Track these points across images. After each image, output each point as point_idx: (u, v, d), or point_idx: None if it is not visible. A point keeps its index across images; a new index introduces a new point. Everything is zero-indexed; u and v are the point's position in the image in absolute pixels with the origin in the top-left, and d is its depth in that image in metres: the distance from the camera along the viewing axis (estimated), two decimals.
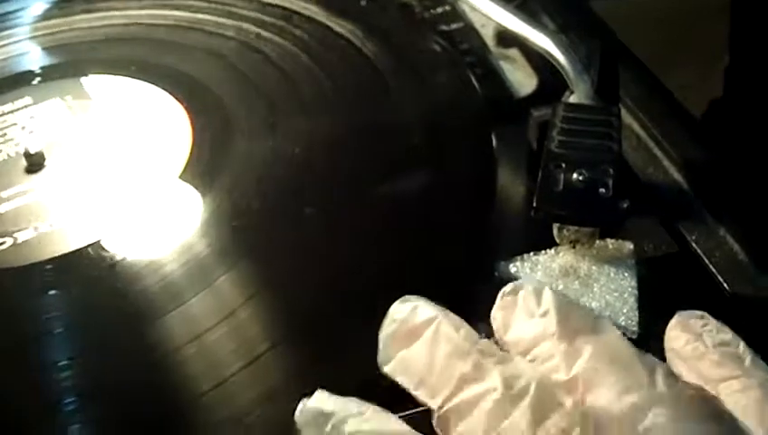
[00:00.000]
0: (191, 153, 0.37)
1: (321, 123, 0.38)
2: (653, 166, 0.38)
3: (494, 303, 0.31)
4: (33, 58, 0.44)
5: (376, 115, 0.38)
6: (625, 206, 0.31)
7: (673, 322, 0.26)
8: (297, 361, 0.30)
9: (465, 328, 0.25)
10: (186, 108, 0.39)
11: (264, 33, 0.43)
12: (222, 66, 0.41)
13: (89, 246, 0.34)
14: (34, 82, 0.42)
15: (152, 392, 0.29)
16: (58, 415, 0.29)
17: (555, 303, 0.25)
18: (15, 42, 0.45)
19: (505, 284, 0.32)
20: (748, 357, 0.24)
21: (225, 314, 0.31)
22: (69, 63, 0.42)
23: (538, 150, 0.36)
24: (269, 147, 0.37)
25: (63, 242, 0.34)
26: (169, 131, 0.38)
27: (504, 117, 0.38)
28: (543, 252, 0.32)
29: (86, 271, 0.33)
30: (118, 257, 0.33)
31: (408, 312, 0.26)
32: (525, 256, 0.32)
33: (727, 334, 0.25)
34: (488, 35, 0.45)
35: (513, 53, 0.44)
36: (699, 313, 0.26)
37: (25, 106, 0.41)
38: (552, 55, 0.38)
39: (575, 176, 0.31)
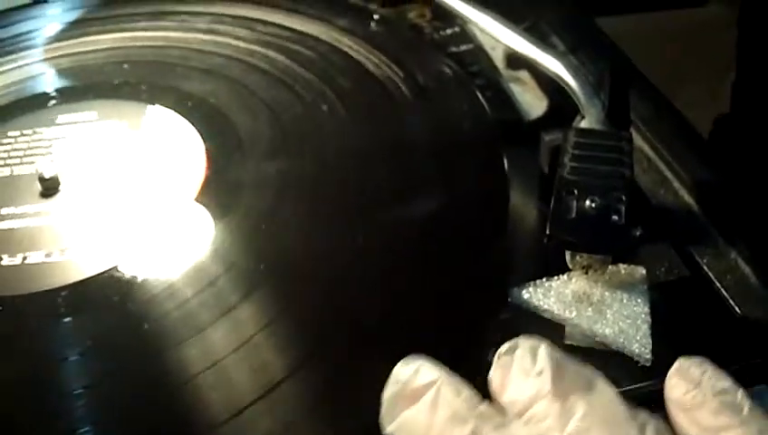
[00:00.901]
0: (206, 176, 0.37)
1: (333, 145, 0.38)
2: (663, 188, 0.39)
3: (506, 330, 0.32)
4: (49, 80, 0.44)
5: (387, 137, 0.38)
6: (638, 233, 0.31)
7: (672, 370, 0.26)
8: (316, 389, 0.30)
9: (466, 392, 0.26)
10: (199, 130, 0.39)
11: (276, 56, 0.43)
12: (235, 89, 0.41)
13: (104, 272, 0.34)
14: (50, 104, 0.42)
15: (167, 422, 0.29)
16: None
17: (550, 361, 0.25)
18: (30, 63, 0.45)
19: (518, 309, 0.33)
20: (746, 405, 0.25)
21: (242, 340, 0.31)
22: (83, 87, 0.43)
23: (550, 175, 0.36)
24: (282, 169, 0.37)
25: (78, 268, 0.34)
26: (183, 154, 0.39)
27: (515, 140, 0.39)
28: (556, 278, 0.33)
29: (102, 298, 0.33)
30: (133, 283, 0.33)
31: (410, 374, 0.26)
32: (538, 281, 0.33)
33: (726, 382, 0.25)
34: (498, 57, 0.45)
35: (523, 75, 0.44)
36: (699, 359, 0.26)
37: (41, 128, 0.42)
38: (562, 79, 0.38)
39: (588, 203, 0.31)
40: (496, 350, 0.31)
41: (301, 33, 0.44)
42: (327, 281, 0.33)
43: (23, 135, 0.41)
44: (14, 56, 0.46)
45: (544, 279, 0.33)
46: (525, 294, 0.32)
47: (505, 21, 0.41)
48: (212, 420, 0.29)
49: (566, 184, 0.32)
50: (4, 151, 0.40)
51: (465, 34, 0.47)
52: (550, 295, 0.32)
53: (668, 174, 0.39)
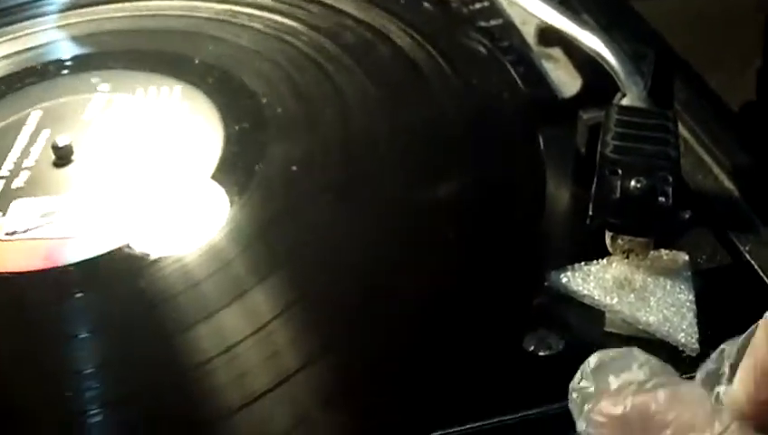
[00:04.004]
0: (223, 153, 0.36)
1: (360, 123, 0.36)
2: (702, 172, 0.37)
3: (543, 314, 0.30)
4: (63, 47, 0.43)
5: (417, 114, 0.36)
6: (686, 216, 0.29)
7: (761, 330, 0.23)
8: (333, 381, 0.28)
9: None
10: (217, 105, 0.38)
11: (301, 28, 0.41)
12: (257, 62, 0.40)
13: (115, 250, 0.32)
14: (63, 72, 0.41)
15: (178, 407, 0.28)
16: (80, 425, 0.27)
17: None
18: (41, 30, 0.44)
19: (555, 293, 0.31)
20: None
21: (257, 326, 0.29)
22: (98, 56, 0.41)
23: (587, 155, 0.34)
24: (305, 147, 0.36)
25: (89, 244, 0.32)
26: (201, 129, 0.37)
27: (550, 118, 0.37)
28: (595, 262, 0.31)
29: (112, 276, 0.31)
30: (145, 262, 0.31)
31: None
32: (576, 265, 0.31)
33: None
34: (529, 33, 0.43)
35: (556, 52, 0.42)
36: None
37: (54, 96, 0.40)
38: (600, 55, 0.36)
39: (633, 183, 0.30)
40: (532, 334, 0.30)
41: (326, 5, 0.43)
42: (350, 266, 0.31)
43: (36, 102, 0.39)
44: (27, 23, 0.44)
45: (583, 263, 0.31)
46: (563, 278, 0.31)
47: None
48: (223, 408, 0.27)
49: (610, 163, 0.31)
50: (18, 119, 0.39)
51: (494, 9, 0.45)
52: (589, 280, 0.31)
53: (707, 158, 0.38)
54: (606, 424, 0.23)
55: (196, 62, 0.40)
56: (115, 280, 0.31)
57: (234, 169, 0.35)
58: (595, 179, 0.30)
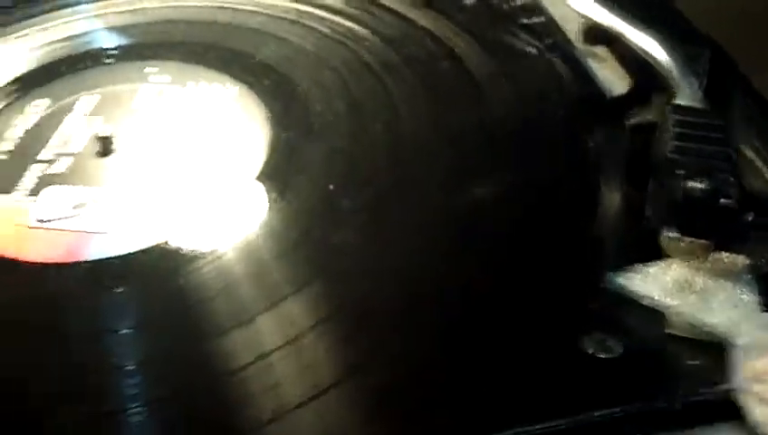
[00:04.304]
0: (269, 153, 0.35)
1: (408, 126, 0.36)
2: (752, 174, 0.37)
3: (600, 316, 0.30)
4: (108, 36, 0.42)
5: (465, 114, 0.36)
6: (750, 218, 0.29)
7: None
8: (373, 394, 0.27)
9: None
10: (265, 102, 0.37)
11: (365, 33, 0.40)
12: (316, 67, 0.39)
13: (152, 247, 0.32)
14: (108, 61, 0.40)
15: (212, 412, 0.27)
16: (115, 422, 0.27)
17: None
18: (100, 14, 0.43)
19: (612, 294, 0.31)
20: None
21: (293, 335, 0.28)
22: (144, 46, 0.41)
23: (639, 155, 0.34)
24: (352, 147, 0.35)
25: (127, 239, 0.32)
26: (246, 127, 0.36)
27: (598, 118, 0.37)
28: (653, 263, 0.31)
29: (147, 274, 0.31)
30: (181, 261, 0.31)
31: None
32: (635, 266, 0.31)
33: None
34: (572, 31, 0.43)
35: (600, 50, 0.42)
36: None
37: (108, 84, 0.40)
38: (652, 56, 0.36)
39: (694, 184, 0.29)
40: (589, 337, 0.30)
41: (391, 10, 0.42)
42: (394, 272, 0.31)
43: (89, 88, 0.39)
44: (71, 9, 0.44)
45: (641, 265, 0.31)
46: (622, 279, 0.30)
47: None
48: (256, 418, 0.26)
49: (669, 163, 0.30)
50: (59, 107, 0.38)
51: (535, 6, 0.44)
52: (648, 281, 0.30)
53: (756, 160, 0.37)
54: None
55: (254, 61, 0.40)
56: (142, 280, 0.31)
57: (277, 174, 0.34)
58: (653, 180, 0.30)
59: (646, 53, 0.36)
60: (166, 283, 0.31)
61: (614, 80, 0.40)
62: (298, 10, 0.43)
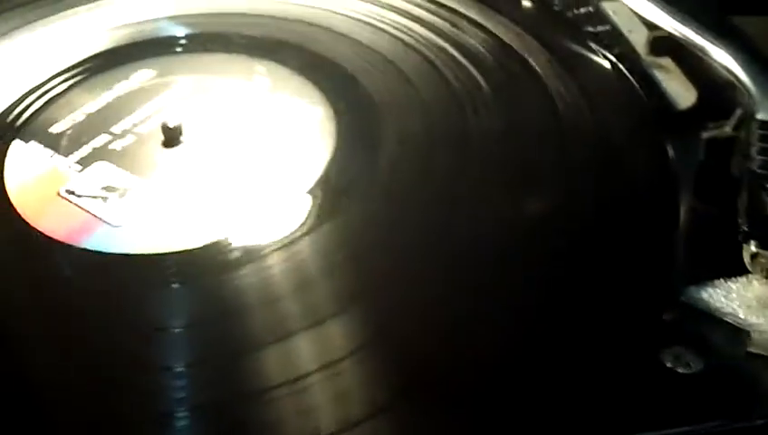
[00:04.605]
0: (330, 161, 0.34)
1: (477, 144, 0.35)
2: None
3: (677, 330, 0.29)
4: (177, 24, 0.42)
5: (539, 123, 0.35)
6: None
7: None
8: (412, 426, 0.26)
9: None
10: (334, 107, 0.36)
11: (420, 30, 0.40)
12: (391, 76, 0.38)
13: (197, 248, 0.31)
14: (178, 49, 0.39)
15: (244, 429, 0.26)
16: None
17: None
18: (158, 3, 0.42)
19: (695, 310, 0.30)
20: None
21: (330, 360, 0.27)
22: (215, 36, 0.40)
23: (713, 168, 0.34)
24: (414, 170, 0.34)
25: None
26: (312, 131, 0.36)
27: (672, 130, 0.36)
28: (734, 279, 0.30)
29: (187, 277, 0.30)
30: (228, 267, 0.30)
31: None
32: (716, 281, 0.30)
33: None
34: (637, 42, 0.42)
35: (667, 62, 0.41)
36: None
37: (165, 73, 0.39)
38: (728, 69, 0.36)
39: None
40: (668, 350, 0.29)
41: (449, 8, 0.41)
42: (455, 288, 0.29)
43: (146, 79, 0.38)
44: None
45: (723, 280, 0.30)
46: (704, 295, 0.30)
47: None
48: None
49: (759, 179, 0.30)
50: (130, 93, 0.38)
51: (599, 14, 0.44)
52: (732, 298, 0.30)
53: None
54: None
55: (328, 62, 0.39)
56: (185, 283, 0.30)
57: (333, 185, 0.33)
58: (744, 196, 0.30)
59: (722, 66, 0.36)
60: (198, 288, 0.30)
61: (681, 91, 0.40)
62: (383, 17, 0.42)
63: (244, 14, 0.42)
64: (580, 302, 0.29)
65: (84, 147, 0.36)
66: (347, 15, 0.42)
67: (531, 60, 0.38)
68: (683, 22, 0.37)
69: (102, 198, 0.33)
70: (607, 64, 0.39)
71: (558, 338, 0.28)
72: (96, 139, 0.36)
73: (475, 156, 0.34)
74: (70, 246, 0.31)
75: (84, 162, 0.35)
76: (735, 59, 0.35)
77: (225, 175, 0.34)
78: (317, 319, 0.28)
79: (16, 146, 0.36)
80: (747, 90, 0.34)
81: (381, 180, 0.34)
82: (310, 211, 0.32)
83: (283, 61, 0.39)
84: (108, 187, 0.34)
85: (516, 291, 0.30)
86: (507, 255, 0.31)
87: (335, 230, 0.32)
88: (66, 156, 0.36)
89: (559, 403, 0.27)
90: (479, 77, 0.37)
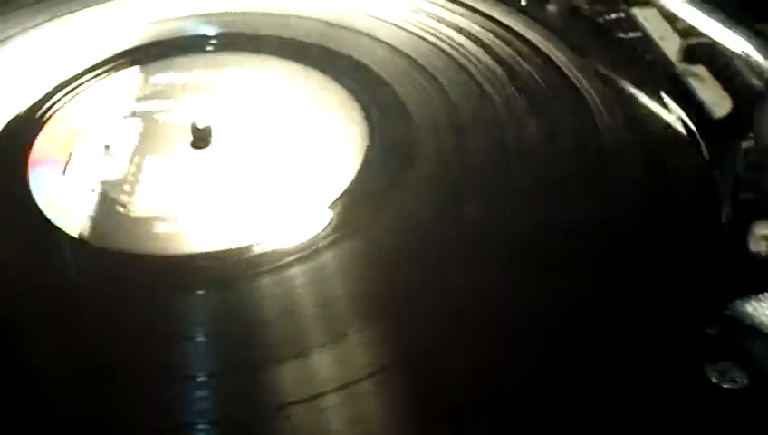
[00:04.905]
0: (358, 174, 0.33)
1: (512, 142, 0.34)
2: None
3: (724, 343, 0.29)
4: (210, 24, 0.41)
5: (578, 133, 0.35)
6: None
7: None
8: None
9: None
10: (367, 114, 0.36)
11: (454, 35, 0.39)
12: (428, 88, 0.37)
13: (213, 253, 0.30)
14: (208, 48, 0.39)
15: None
16: None
17: None
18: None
19: (740, 324, 0.30)
20: None
21: (346, 381, 0.26)
22: (248, 37, 0.39)
23: (755, 180, 0.33)
24: (452, 168, 0.33)
25: (194, 240, 0.31)
26: (342, 140, 0.35)
27: (709, 139, 0.36)
28: None
29: (202, 284, 0.30)
30: (246, 276, 0.29)
31: None
32: (762, 295, 0.30)
33: None
34: (669, 49, 0.42)
35: (700, 70, 0.41)
36: None
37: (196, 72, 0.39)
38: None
39: None
40: (712, 365, 0.29)
41: (483, 14, 0.41)
42: (481, 315, 0.28)
43: (176, 77, 0.38)
44: None
45: (767, 293, 0.30)
46: (749, 308, 0.29)
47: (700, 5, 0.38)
48: None
49: None
50: (158, 92, 0.38)
51: (631, 20, 0.43)
52: None
53: None
54: None
55: (363, 68, 0.38)
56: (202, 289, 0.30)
57: (359, 199, 0.32)
58: None
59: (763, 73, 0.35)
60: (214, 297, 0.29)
61: (715, 99, 0.39)
62: (417, 21, 0.41)
63: (287, 16, 0.41)
64: (624, 316, 0.29)
65: (109, 145, 0.35)
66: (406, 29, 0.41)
67: (568, 72, 0.37)
68: (722, 26, 0.37)
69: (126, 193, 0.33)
70: (639, 72, 0.38)
71: (601, 354, 0.28)
72: (121, 136, 0.36)
73: (507, 171, 0.34)
74: (92, 246, 0.31)
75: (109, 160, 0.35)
76: None
77: (251, 180, 0.34)
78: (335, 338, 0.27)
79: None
80: None
81: (410, 195, 0.33)
82: (334, 222, 0.31)
83: (323, 68, 0.38)
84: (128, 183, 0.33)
85: (555, 306, 0.29)
86: (545, 269, 0.30)
87: (362, 242, 0.31)
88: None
89: (602, 420, 0.26)
90: (515, 90, 0.36)
